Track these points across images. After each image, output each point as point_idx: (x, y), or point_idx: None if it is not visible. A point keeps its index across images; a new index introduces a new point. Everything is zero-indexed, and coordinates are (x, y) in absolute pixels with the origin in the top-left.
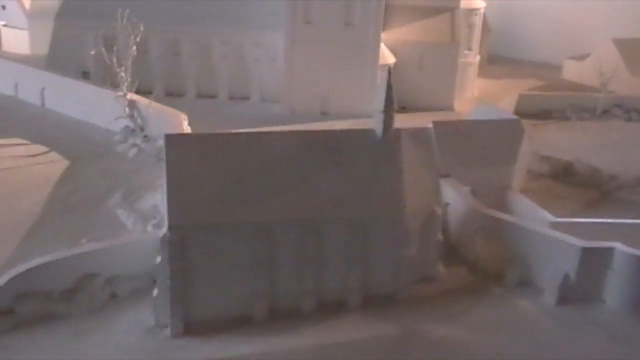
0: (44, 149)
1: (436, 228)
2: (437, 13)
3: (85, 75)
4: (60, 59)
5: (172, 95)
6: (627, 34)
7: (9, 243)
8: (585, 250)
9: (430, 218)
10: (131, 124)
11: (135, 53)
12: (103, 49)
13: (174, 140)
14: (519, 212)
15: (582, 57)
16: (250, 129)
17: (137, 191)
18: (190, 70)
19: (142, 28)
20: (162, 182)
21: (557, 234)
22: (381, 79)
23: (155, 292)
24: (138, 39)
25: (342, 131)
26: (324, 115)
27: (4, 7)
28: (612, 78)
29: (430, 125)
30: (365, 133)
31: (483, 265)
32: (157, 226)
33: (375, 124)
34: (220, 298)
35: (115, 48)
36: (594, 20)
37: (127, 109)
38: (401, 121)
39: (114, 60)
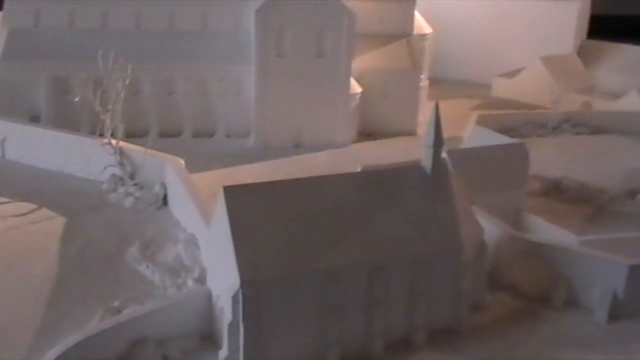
0: (32, 205)
1: (485, 258)
2: (393, 40)
3: (34, 120)
4: (6, 103)
5: (132, 136)
6: (543, 52)
7: (33, 313)
8: (633, 267)
9: (479, 248)
10: (119, 172)
11: (121, 97)
12: (90, 94)
13: (233, 192)
14: (542, 234)
15: (511, 75)
16: (236, 166)
17: (152, 243)
18: (152, 108)
19: (129, 71)
20: (176, 233)
21: (603, 254)
22: (430, 115)
23: (223, 352)
24: (127, 82)
25: (392, 170)
26: (298, 147)
27: None
28: (560, 95)
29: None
30: (415, 169)
31: (526, 290)
32: (198, 281)
33: (424, 159)
34: (291, 348)
35: (98, 92)
36: (514, 40)
37: (116, 156)
38: (374, 148)
39: (98, 105)
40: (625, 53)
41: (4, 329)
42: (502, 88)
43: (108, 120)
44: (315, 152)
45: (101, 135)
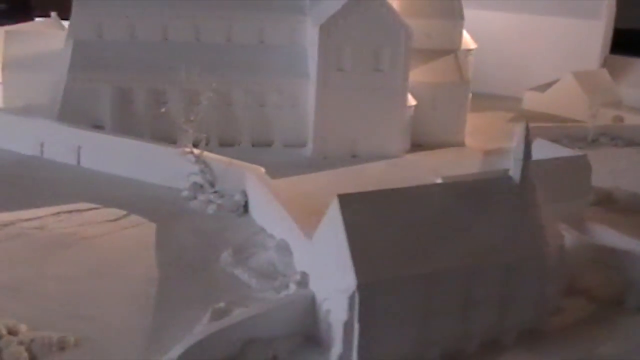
0: (121, 212)
1: (564, 263)
2: (441, 55)
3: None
4: (71, 112)
5: (194, 147)
6: (569, 67)
7: (143, 315)
8: None
9: (560, 254)
10: (201, 180)
11: (204, 108)
12: (172, 105)
13: (347, 200)
14: (611, 242)
15: (542, 89)
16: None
17: (243, 249)
18: (213, 118)
19: (214, 85)
20: (264, 239)
21: None
22: (520, 131)
23: (337, 349)
24: (211, 94)
25: (484, 180)
26: (354, 157)
27: None
28: (599, 110)
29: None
30: (505, 180)
31: (599, 294)
32: (300, 284)
33: (513, 171)
34: (396, 346)
35: (167, 103)
36: (542, 55)
37: (197, 165)
38: (426, 158)
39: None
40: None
41: (118, 331)
42: (533, 101)
43: (190, 130)
44: (372, 162)
45: (181, 144)
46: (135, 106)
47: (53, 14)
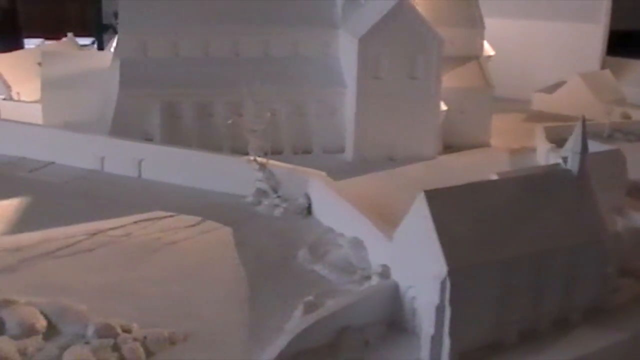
0: (196, 218)
1: (620, 246)
2: (465, 61)
3: None
4: (123, 128)
5: (238, 153)
6: (571, 70)
7: (239, 311)
8: None
9: (615, 238)
10: (264, 186)
11: (267, 118)
12: (238, 115)
13: (433, 195)
14: None
15: (549, 90)
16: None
17: (316, 247)
18: (256, 128)
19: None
20: (334, 237)
21: None
22: (577, 126)
23: (428, 332)
24: (270, 107)
25: (546, 173)
26: (391, 160)
27: None
28: (613, 108)
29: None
30: (565, 173)
31: None
32: (384, 276)
33: (571, 164)
34: (480, 328)
35: (241, 115)
36: (544, 59)
37: (261, 172)
38: (458, 159)
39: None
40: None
41: (219, 325)
42: (542, 102)
43: (254, 140)
44: (409, 165)
45: (243, 153)
46: (183, 119)
47: (69, 34)
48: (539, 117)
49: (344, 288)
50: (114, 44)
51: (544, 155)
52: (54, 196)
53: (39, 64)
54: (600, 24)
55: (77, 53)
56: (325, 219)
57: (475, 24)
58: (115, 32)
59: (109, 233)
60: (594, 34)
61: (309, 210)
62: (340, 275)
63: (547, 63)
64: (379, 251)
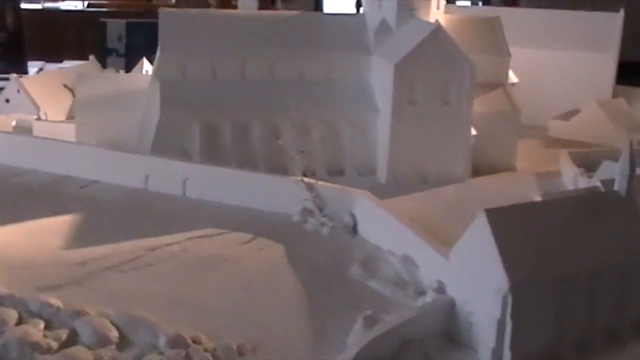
0: (248, 235)
1: None
2: (493, 88)
3: None
4: (163, 147)
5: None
6: (584, 98)
7: (302, 324)
8: None
9: None
10: (311, 206)
11: (315, 140)
12: (287, 138)
13: (493, 214)
14: None
15: (565, 117)
16: None
17: (367, 264)
18: (291, 150)
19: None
20: (383, 254)
21: None
22: (625, 150)
23: (489, 345)
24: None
25: (595, 195)
26: (424, 182)
27: (8, 101)
28: (633, 136)
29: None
30: (613, 194)
31: None
32: (439, 291)
33: (618, 185)
34: (538, 342)
35: (283, 136)
36: (557, 87)
37: (308, 191)
38: (487, 182)
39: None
40: None
41: (283, 337)
42: (559, 129)
43: (301, 160)
44: (442, 187)
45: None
46: (222, 139)
47: (91, 57)
48: (557, 142)
49: (399, 303)
50: (143, 66)
51: (572, 179)
52: (106, 213)
53: (65, 85)
54: (612, 53)
55: (109, 75)
56: (372, 237)
57: (501, 51)
58: (119, 55)
59: (166, 248)
60: (606, 63)
61: (354, 229)
62: (395, 291)
63: (560, 91)
64: (431, 267)
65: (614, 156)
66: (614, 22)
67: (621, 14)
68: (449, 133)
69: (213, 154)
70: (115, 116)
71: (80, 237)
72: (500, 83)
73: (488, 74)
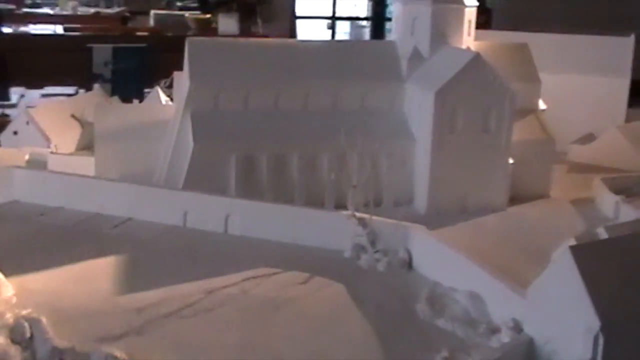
0: (303, 274)
1: None
2: (525, 115)
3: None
4: (198, 182)
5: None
6: (600, 123)
7: None
8: None
9: None
10: (363, 241)
11: (369, 172)
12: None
13: (577, 250)
14: None
15: (583, 141)
16: None
17: (432, 301)
18: (329, 181)
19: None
20: (446, 290)
21: None
22: None
23: None
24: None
25: None
26: (463, 212)
27: (15, 133)
28: None
29: None
30: None
31: None
32: (516, 330)
33: None
34: None
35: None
36: (573, 111)
37: (361, 226)
38: (526, 210)
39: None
40: None
41: None
42: (579, 154)
43: (354, 195)
44: (483, 216)
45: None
46: (258, 172)
47: (96, 85)
48: (579, 167)
49: (472, 343)
50: (159, 95)
51: (613, 206)
52: (149, 253)
53: (73, 116)
54: (625, 77)
55: (128, 106)
56: (430, 272)
57: (532, 78)
58: (104, 81)
59: (224, 291)
60: (620, 87)
61: (409, 264)
62: (465, 330)
63: (574, 115)
64: (502, 305)
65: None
66: (626, 46)
67: (632, 38)
68: (488, 161)
69: (249, 186)
70: (136, 149)
71: (130, 281)
72: (532, 110)
73: (520, 101)
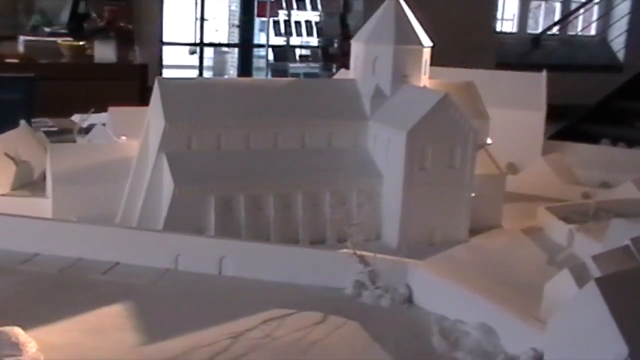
0: (317, 314)
1: None
2: (476, 150)
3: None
4: (178, 223)
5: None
6: (518, 154)
7: None
8: None
9: None
10: (364, 278)
11: (370, 210)
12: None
13: (604, 282)
14: None
15: (512, 172)
16: None
17: (444, 332)
18: (302, 219)
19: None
20: (455, 324)
21: None
22: None
23: None
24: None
25: None
26: (431, 246)
27: None
28: (591, 190)
29: None
30: None
31: None
32: (536, 359)
33: None
34: None
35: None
36: (496, 142)
37: (361, 264)
38: (488, 240)
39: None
40: (581, 151)
41: None
42: (508, 184)
43: (354, 233)
44: (451, 248)
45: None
46: (235, 212)
47: (22, 121)
48: (512, 197)
49: None
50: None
51: (566, 234)
52: (150, 299)
53: (6, 154)
54: (542, 111)
55: (83, 145)
56: (433, 306)
57: (482, 115)
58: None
59: (248, 335)
60: (536, 120)
61: (410, 299)
62: None
63: (496, 147)
64: (514, 335)
65: (578, 210)
66: (539, 81)
67: (544, 74)
68: (454, 196)
69: (227, 226)
70: (96, 190)
71: (147, 330)
72: (482, 145)
73: None
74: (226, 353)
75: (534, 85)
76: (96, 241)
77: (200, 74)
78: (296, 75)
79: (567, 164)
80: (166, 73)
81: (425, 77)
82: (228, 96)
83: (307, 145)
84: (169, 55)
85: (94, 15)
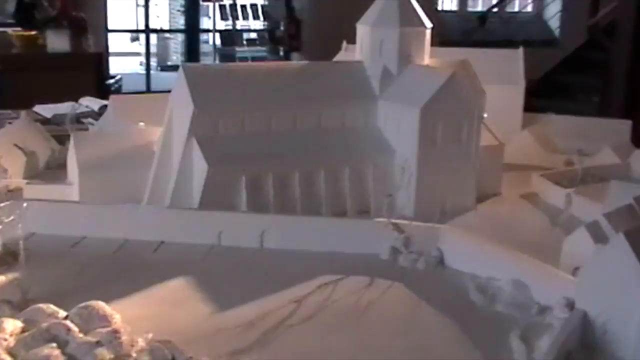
0: (365, 278)
1: None
2: None
3: None
4: (211, 203)
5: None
6: (501, 127)
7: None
8: None
9: None
10: (398, 244)
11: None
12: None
13: (631, 234)
14: None
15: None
16: None
17: (480, 289)
18: (325, 194)
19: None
20: (484, 281)
21: None
22: None
23: (631, 345)
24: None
25: None
26: (442, 214)
27: None
28: (577, 158)
29: None
30: None
31: None
32: (569, 307)
33: None
34: None
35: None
36: None
37: (395, 231)
38: (493, 206)
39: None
40: (557, 122)
41: None
42: None
43: (389, 203)
44: (461, 215)
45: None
46: (265, 190)
47: (23, 112)
48: (503, 167)
49: (531, 322)
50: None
51: (563, 198)
52: (207, 273)
53: (15, 145)
54: (520, 85)
55: (105, 133)
56: (465, 267)
57: (479, 91)
58: None
59: (310, 299)
60: (516, 94)
61: (442, 261)
62: (521, 312)
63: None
64: (544, 287)
65: (568, 175)
66: (517, 57)
67: (521, 50)
68: (461, 168)
69: (258, 204)
70: (121, 176)
71: (216, 301)
72: (480, 119)
73: None
74: (295, 316)
75: (512, 62)
76: (141, 222)
77: (147, 60)
78: (244, 59)
79: (547, 134)
80: (112, 61)
81: (427, 57)
82: (249, 81)
83: (322, 125)
84: (113, 43)
85: (45, 4)
